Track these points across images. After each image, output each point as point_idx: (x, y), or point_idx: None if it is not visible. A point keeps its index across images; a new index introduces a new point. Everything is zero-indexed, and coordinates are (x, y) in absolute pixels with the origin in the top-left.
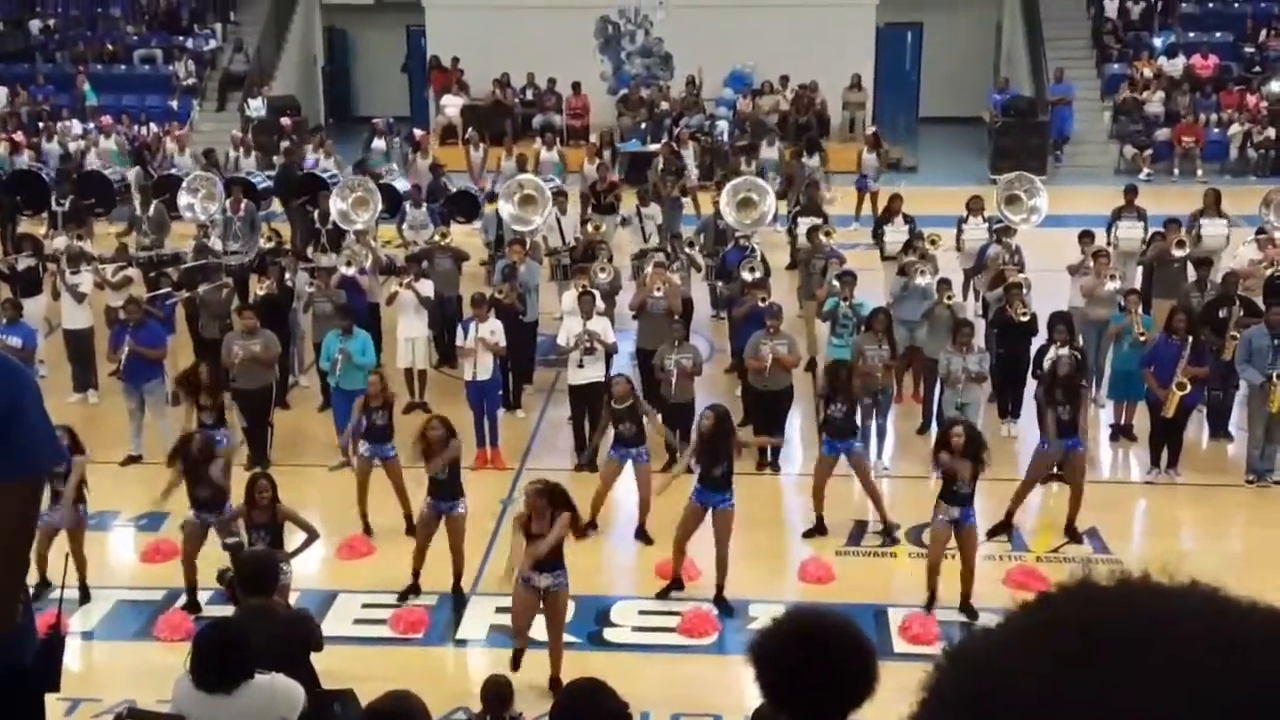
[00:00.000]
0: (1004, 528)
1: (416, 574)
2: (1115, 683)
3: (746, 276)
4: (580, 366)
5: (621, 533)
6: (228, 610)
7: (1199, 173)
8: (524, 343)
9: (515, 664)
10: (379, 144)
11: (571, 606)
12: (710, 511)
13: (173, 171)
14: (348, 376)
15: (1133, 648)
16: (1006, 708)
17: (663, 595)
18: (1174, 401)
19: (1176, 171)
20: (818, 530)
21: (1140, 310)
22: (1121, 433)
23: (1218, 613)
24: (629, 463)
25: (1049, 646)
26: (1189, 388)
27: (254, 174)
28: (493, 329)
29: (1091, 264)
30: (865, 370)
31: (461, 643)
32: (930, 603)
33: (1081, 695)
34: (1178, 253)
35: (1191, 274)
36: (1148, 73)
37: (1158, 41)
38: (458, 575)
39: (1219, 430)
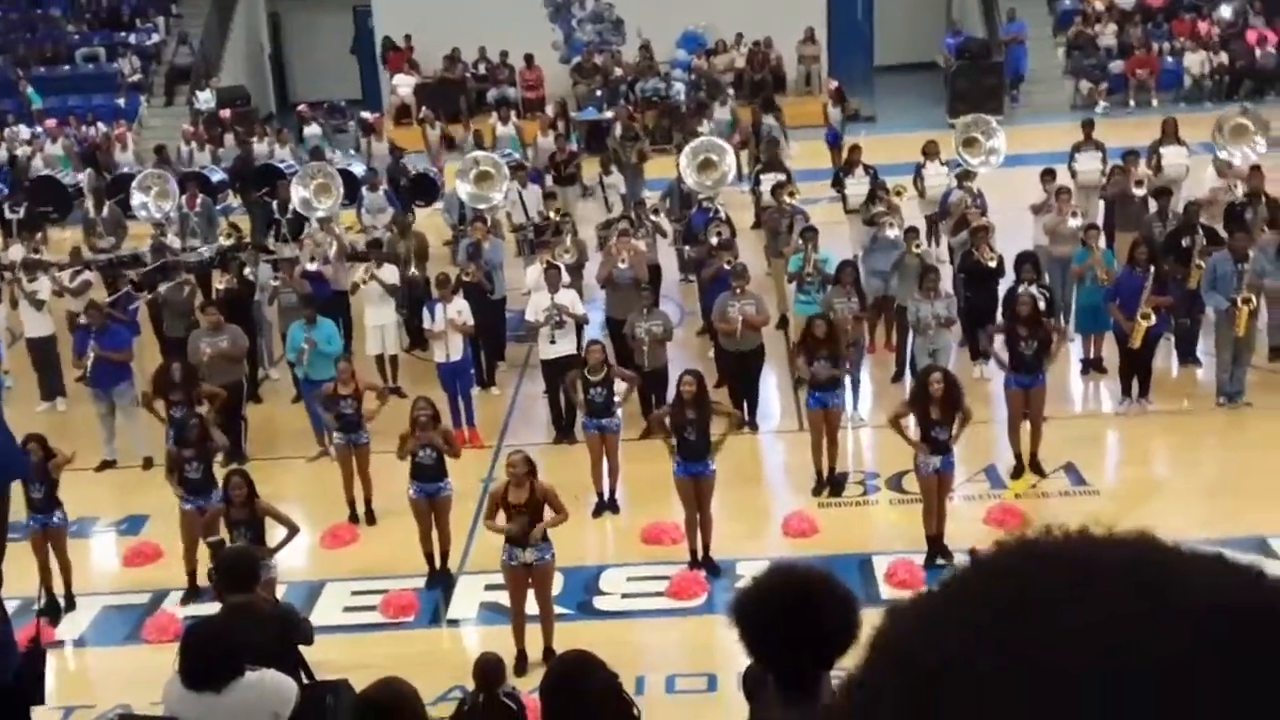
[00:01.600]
0: (1025, 469)
1: (430, 558)
2: (1039, 640)
3: (713, 240)
4: (552, 342)
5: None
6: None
7: (1155, 103)
8: (494, 320)
9: (519, 668)
10: (312, 130)
11: (560, 578)
12: (694, 480)
13: (124, 171)
14: (316, 366)
15: (1061, 604)
16: (936, 664)
17: (700, 567)
18: (1140, 332)
19: (1132, 103)
20: (827, 486)
21: (1102, 245)
22: (1091, 366)
23: (1151, 563)
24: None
25: (980, 606)
26: (1154, 318)
27: (208, 168)
28: (460, 309)
29: (1054, 202)
30: (837, 323)
31: (453, 622)
32: (935, 546)
33: (1008, 654)
34: (1138, 191)
35: (1153, 205)
36: (1099, 5)
37: None
38: (444, 555)
39: (1187, 357)
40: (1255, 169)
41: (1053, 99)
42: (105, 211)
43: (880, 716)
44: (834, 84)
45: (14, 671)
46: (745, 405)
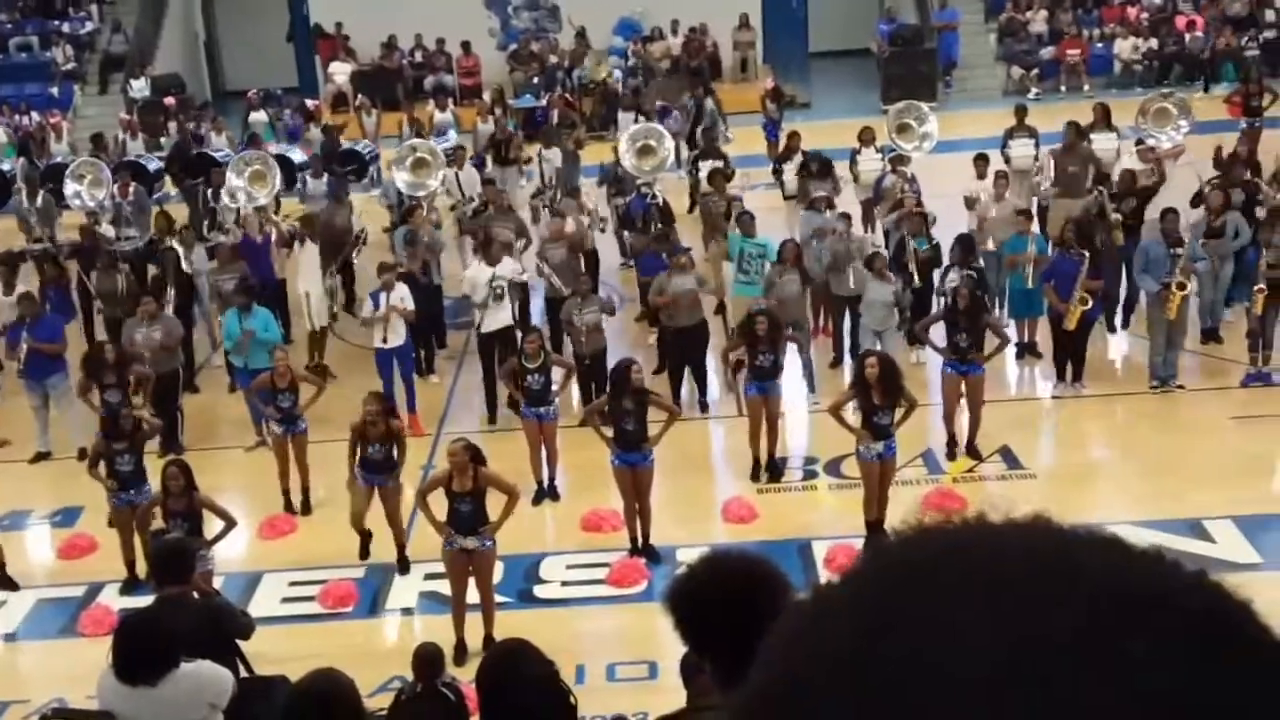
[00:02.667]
0: (958, 453)
1: (365, 537)
2: (932, 633)
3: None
4: (485, 307)
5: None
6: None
7: (1086, 88)
8: (433, 308)
9: (458, 657)
10: (257, 116)
11: (500, 567)
12: (632, 470)
13: (57, 160)
14: (255, 356)
15: (955, 592)
16: (828, 660)
17: (641, 554)
18: (1075, 316)
19: (1064, 88)
20: (766, 472)
21: (1035, 230)
22: (1026, 350)
23: (1047, 548)
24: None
25: (873, 599)
26: (1090, 302)
27: (144, 156)
28: (402, 295)
29: (990, 189)
30: (779, 299)
31: (393, 612)
32: (876, 532)
33: (898, 649)
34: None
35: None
36: None
37: None
38: (400, 546)
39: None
40: (1234, 154)
41: (985, 85)
42: (39, 201)
43: (768, 716)
44: (770, 82)
45: None
46: (693, 386)
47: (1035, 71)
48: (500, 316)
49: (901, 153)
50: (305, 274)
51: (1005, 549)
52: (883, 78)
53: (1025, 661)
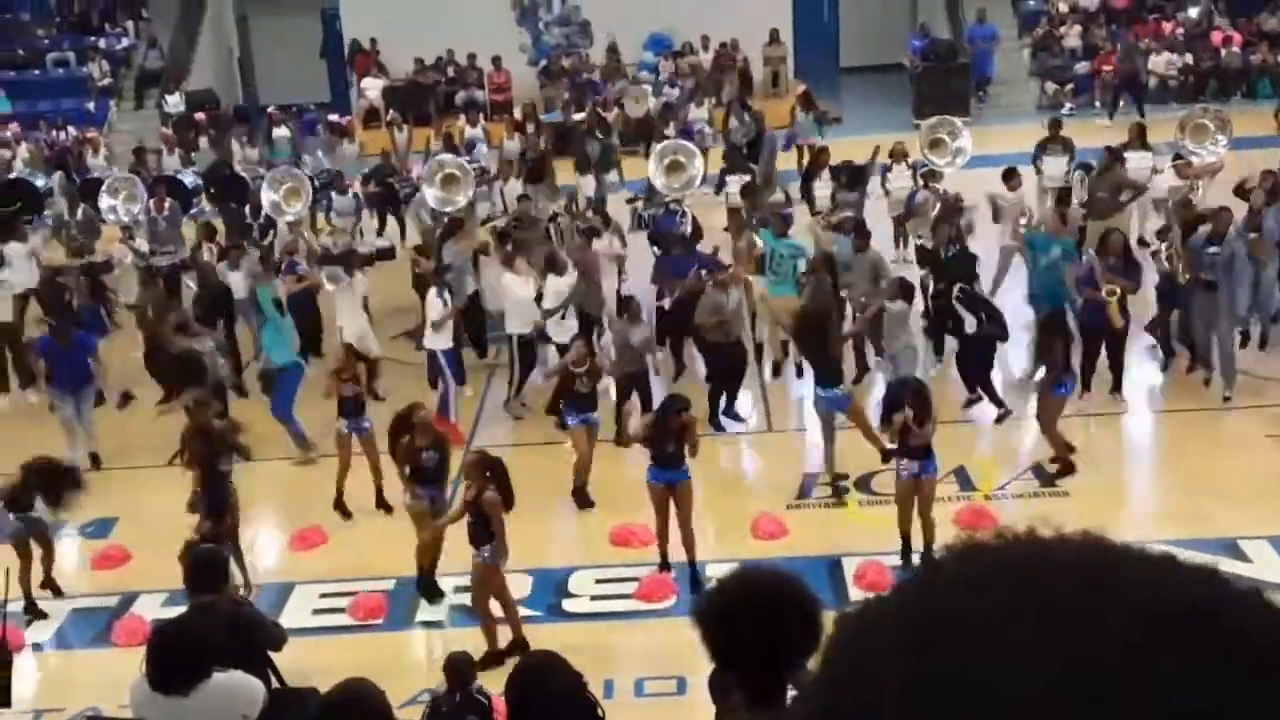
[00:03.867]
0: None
1: (432, 566)
2: (986, 650)
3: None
4: (563, 319)
5: (573, 503)
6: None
7: (1120, 103)
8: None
9: (488, 665)
10: (280, 132)
11: (529, 580)
12: (669, 487)
13: (94, 174)
14: (274, 343)
15: (1008, 610)
16: (882, 677)
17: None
18: (1115, 310)
19: (1098, 104)
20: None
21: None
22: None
23: (1099, 564)
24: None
25: (925, 615)
26: (1118, 293)
27: (180, 172)
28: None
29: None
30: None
31: (423, 625)
32: (905, 552)
33: (952, 666)
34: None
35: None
36: (1064, 7)
37: None
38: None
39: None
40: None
41: (1019, 100)
42: (80, 214)
43: None
44: (801, 87)
45: None
46: (726, 399)
47: (1069, 87)
48: (568, 326)
49: (934, 168)
50: (346, 313)
51: (1057, 566)
52: (915, 93)
53: (1076, 680)
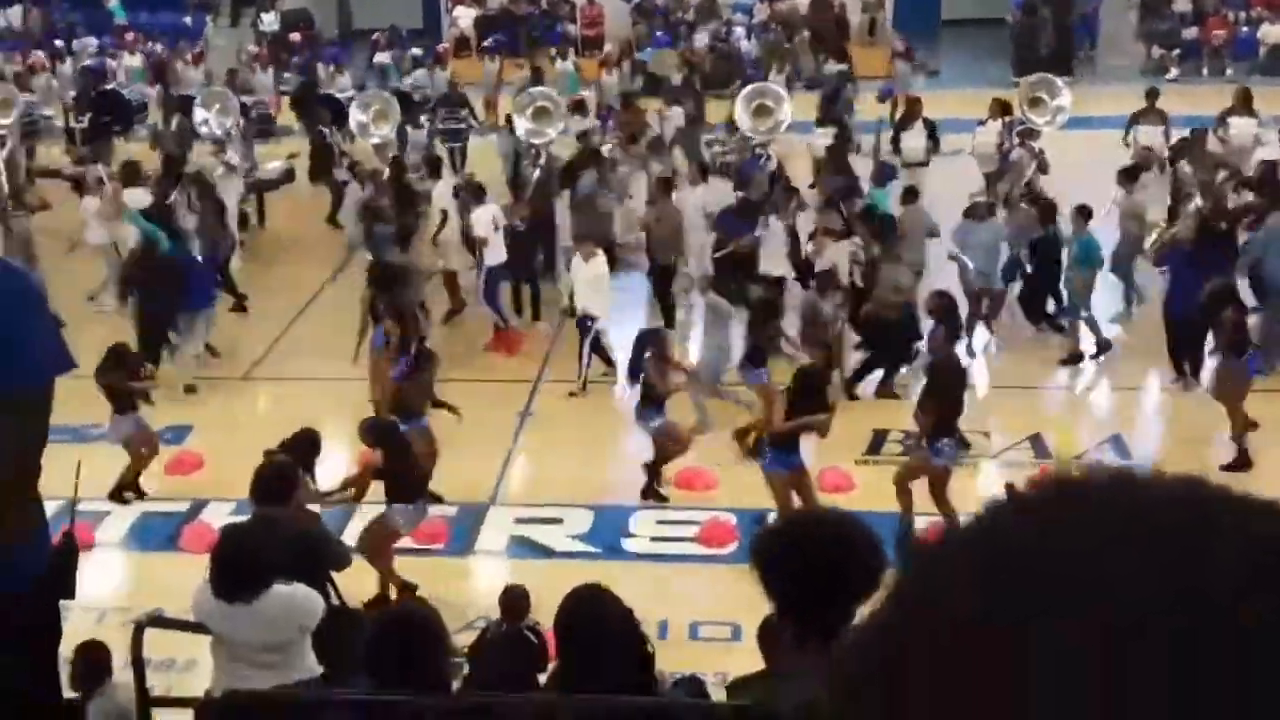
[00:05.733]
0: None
1: None
2: (1086, 585)
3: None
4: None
5: (641, 443)
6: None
7: (1228, 71)
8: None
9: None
10: (382, 58)
11: (589, 517)
12: (793, 473)
13: (189, 90)
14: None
15: (1108, 545)
16: (965, 615)
17: None
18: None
19: (1205, 71)
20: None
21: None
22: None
23: (1202, 499)
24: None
25: (1016, 549)
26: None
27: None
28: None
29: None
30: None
31: (482, 553)
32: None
33: (1048, 602)
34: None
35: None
36: None
37: None
38: None
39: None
40: None
41: (1123, 62)
42: (175, 124)
43: (898, 667)
44: (902, 43)
45: (45, 564)
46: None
47: (1176, 51)
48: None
49: (1033, 126)
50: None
51: (1160, 501)
52: (1015, 49)
53: (1187, 614)
